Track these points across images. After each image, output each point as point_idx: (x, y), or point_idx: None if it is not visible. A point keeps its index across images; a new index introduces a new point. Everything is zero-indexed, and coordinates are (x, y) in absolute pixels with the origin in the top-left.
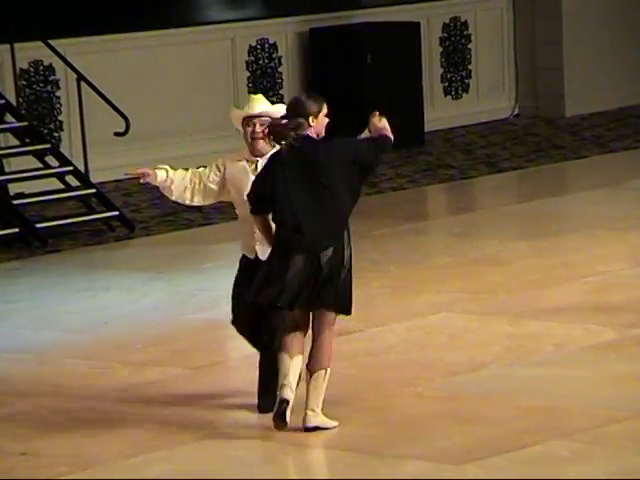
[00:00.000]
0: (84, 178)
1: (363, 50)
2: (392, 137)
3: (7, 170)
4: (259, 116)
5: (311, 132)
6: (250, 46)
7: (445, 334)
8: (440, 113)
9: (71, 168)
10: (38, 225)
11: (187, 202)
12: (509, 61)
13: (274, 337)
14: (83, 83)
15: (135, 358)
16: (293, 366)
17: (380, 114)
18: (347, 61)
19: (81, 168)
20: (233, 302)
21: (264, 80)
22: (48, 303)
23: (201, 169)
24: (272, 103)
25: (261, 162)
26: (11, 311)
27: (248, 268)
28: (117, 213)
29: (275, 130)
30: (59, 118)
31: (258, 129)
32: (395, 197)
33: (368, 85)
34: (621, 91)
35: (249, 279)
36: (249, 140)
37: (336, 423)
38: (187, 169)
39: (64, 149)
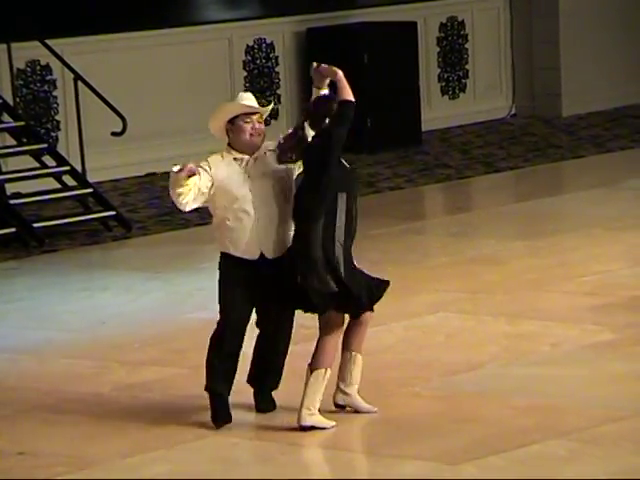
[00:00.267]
0: (81, 178)
1: (360, 50)
2: (352, 98)
3: (4, 170)
4: (256, 112)
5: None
6: (247, 46)
7: (442, 334)
8: (437, 113)
9: (68, 168)
10: (35, 225)
11: (183, 203)
12: (506, 61)
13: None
14: (80, 83)
15: (133, 358)
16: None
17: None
18: (344, 61)
19: (78, 168)
20: (232, 304)
21: (261, 80)
22: (45, 303)
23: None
24: (269, 103)
25: (252, 160)
26: (8, 311)
27: (248, 268)
28: (114, 213)
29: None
30: (56, 118)
31: (257, 125)
32: (392, 197)
33: (365, 85)
34: (618, 91)
35: (253, 279)
36: (247, 137)
37: (333, 423)
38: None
39: (61, 149)
